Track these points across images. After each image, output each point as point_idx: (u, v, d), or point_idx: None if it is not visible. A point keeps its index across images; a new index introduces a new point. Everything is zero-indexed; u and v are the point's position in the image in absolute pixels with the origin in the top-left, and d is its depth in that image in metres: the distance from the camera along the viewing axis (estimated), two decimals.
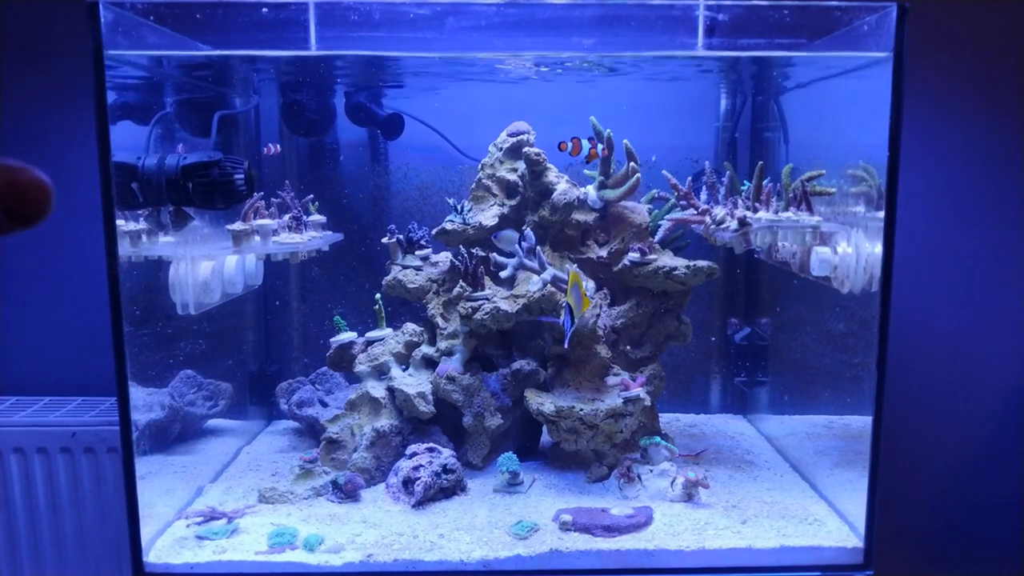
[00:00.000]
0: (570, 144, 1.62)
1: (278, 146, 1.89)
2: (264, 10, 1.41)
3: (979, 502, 2.08)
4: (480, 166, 1.81)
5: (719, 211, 1.61)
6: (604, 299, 1.73)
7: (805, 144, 1.79)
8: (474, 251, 1.69)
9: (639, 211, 1.75)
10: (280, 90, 1.95)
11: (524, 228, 1.68)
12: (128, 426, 1.32)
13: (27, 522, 1.81)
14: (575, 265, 1.63)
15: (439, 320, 1.72)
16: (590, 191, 1.73)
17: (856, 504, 1.41)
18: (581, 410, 1.56)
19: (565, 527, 1.42)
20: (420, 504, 1.51)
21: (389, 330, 1.78)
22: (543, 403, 1.59)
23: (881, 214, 1.33)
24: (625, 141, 1.67)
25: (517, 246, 1.64)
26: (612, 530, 1.41)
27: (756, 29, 1.53)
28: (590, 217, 1.75)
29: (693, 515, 1.48)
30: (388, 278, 1.79)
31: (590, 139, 1.64)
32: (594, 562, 1.36)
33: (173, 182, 1.29)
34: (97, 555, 1.83)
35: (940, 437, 2.05)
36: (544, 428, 1.71)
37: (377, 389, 1.68)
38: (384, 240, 1.81)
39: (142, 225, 1.46)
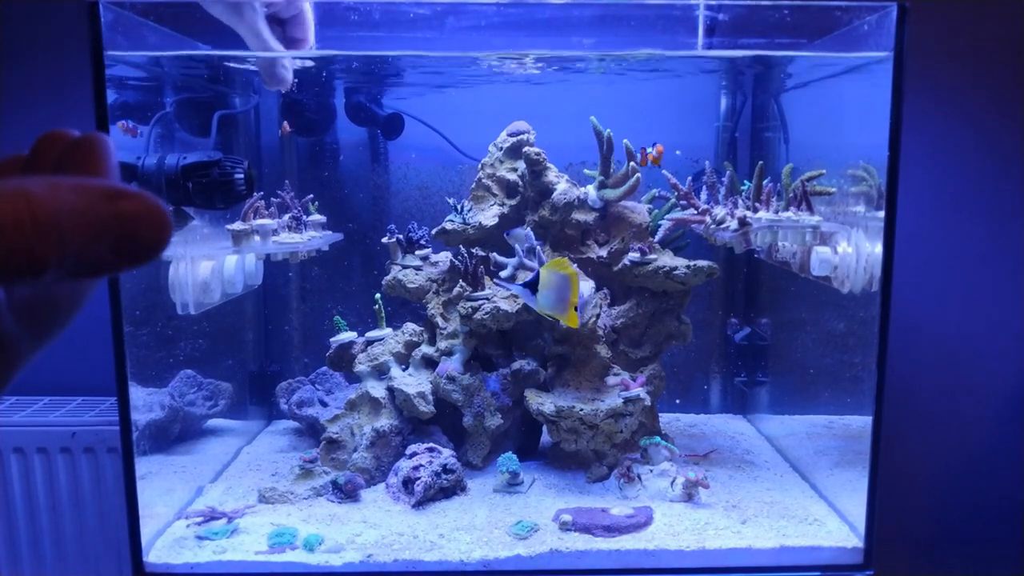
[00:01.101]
0: (638, 155, 1.65)
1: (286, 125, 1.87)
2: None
3: (979, 502, 2.08)
4: (480, 166, 1.81)
5: (719, 211, 1.61)
6: (604, 299, 1.73)
7: (805, 144, 1.79)
8: (474, 251, 1.69)
9: (639, 211, 1.75)
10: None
11: (525, 228, 1.68)
12: (128, 426, 1.32)
13: (27, 522, 1.81)
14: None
15: (439, 320, 1.72)
16: (590, 191, 1.73)
17: (856, 504, 1.41)
18: (581, 410, 1.56)
19: (565, 527, 1.42)
20: (420, 504, 1.51)
21: (389, 330, 1.78)
22: (543, 403, 1.59)
23: (881, 214, 1.33)
24: (625, 141, 1.67)
25: (517, 246, 1.64)
26: (612, 530, 1.41)
27: (756, 29, 1.53)
28: (590, 217, 1.75)
29: (693, 515, 1.48)
30: (388, 278, 1.79)
31: (653, 145, 1.68)
32: (594, 562, 1.36)
33: (173, 182, 1.29)
34: (97, 555, 1.83)
35: (940, 437, 2.05)
36: (544, 428, 1.71)
37: (377, 389, 1.68)
38: (384, 240, 1.81)
39: None
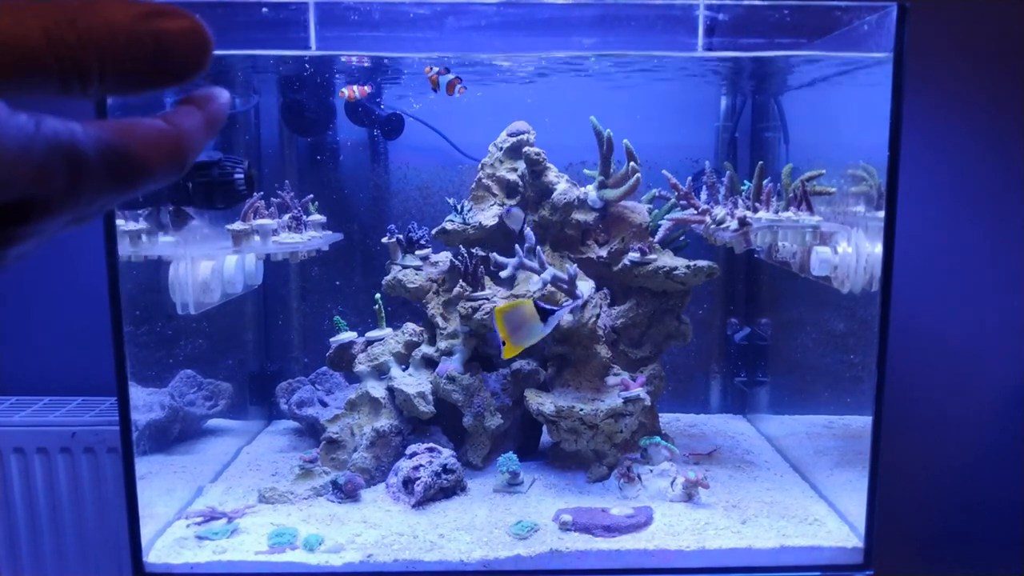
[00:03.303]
0: (435, 69, 1.54)
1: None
2: (264, 10, 1.41)
3: (979, 502, 2.08)
4: (480, 166, 1.81)
5: (719, 211, 1.61)
6: (604, 299, 1.73)
7: (805, 144, 1.79)
8: (474, 251, 1.69)
9: (639, 211, 1.75)
10: (280, 89, 1.95)
11: (524, 228, 1.68)
12: (128, 426, 1.32)
13: (27, 522, 1.81)
14: (575, 265, 1.63)
15: (439, 320, 1.72)
16: (590, 191, 1.73)
17: (856, 504, 1.41)
18: (581, 410, 1.56)
19: (565, 527, 1.42)
20: (420, 504, 1.51)
21: (389, 330, 1.78)
22: (543, 403, 1.59)
23: (881, 214, 1.33)
24: (625, 141, 1.67)
25: (517, 246, 1.64)
26: (612, 530, 1.41)
27: (756, 29, 1.53)
28: (590, 217, 1.75)
29: (693, 515, 1.48)
30: (388, 278, 1.79)
31: (445, 70, 1.56)
32: (594, 562, 1.36)
33: (173, 182, 1.29)
34: (97, 555, 1.83)
35: (940, 437, 2.05)
36: (544, 428, 1.71)
37: (377, 389, 1.68)
38: (384, 240, 1.81)
39: (142, 225, 1.46)
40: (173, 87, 0.29)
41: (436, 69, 1.54)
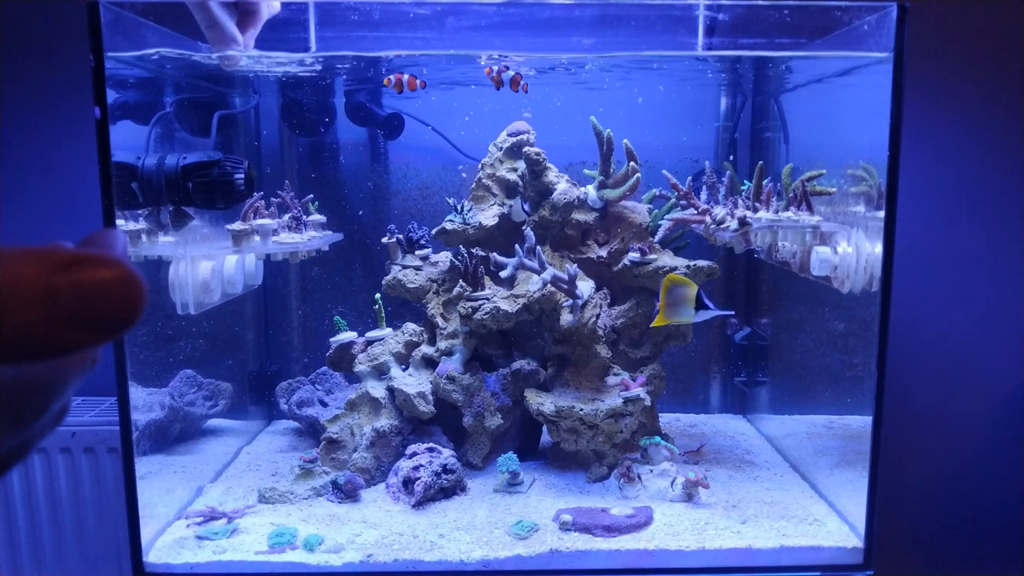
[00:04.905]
0: (495, 69, 1.51)
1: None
2: None
3: (979, 502, 2.08)
4: (480, 166, 1.81)
5: (719, 211, 1.61)
6: (604, 299, 1.73)
7: (805, 144, 1.79)
8: (474, 251, 1.69)
9: (639, 211, 1.75)
10: (280, 89, 1.95)
11: (524, 228, 1.68)
12: (128, 426, 1.32)
13: (27, 522, 1.81)
14: (575, 265, 1.63)
15: (439, 320, 1.72)
16: (590, 191, 1.73)
17: (856, 504, 1.41)
18: (581, 410, 1.56)
19: (565, 527, 1.42)
20: (420, 504, 1.51)
21: (389, 330, 1.78)
22: (543, 403, 1.59)
23: (881, 214, 1.33)
24: (625, 141, 1.67)
25: (517, 246, 1.64)
26: (612, 530, 1.41)
27: (756, 29, 1.53)
28: (590, 217, 1.75)
29: (693, 515, 1.48)
30: (388, 278, 1.79)
31: (504, 67, 1.55)
32: (594, 562, 1.36)
33: (173, 182, 1.29)
34: (97, 555, 1.83)
35: (940, 437, 2.05)
36: (544, 428, 1.71)
37: (377, 389, 1.68)
38: (384, 240, 1.81)
39: (142, 225, 1.46)
40: (100, 345, 0.25)
41: (496, 69, 1.53)
